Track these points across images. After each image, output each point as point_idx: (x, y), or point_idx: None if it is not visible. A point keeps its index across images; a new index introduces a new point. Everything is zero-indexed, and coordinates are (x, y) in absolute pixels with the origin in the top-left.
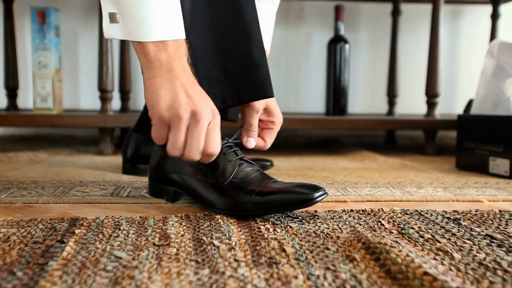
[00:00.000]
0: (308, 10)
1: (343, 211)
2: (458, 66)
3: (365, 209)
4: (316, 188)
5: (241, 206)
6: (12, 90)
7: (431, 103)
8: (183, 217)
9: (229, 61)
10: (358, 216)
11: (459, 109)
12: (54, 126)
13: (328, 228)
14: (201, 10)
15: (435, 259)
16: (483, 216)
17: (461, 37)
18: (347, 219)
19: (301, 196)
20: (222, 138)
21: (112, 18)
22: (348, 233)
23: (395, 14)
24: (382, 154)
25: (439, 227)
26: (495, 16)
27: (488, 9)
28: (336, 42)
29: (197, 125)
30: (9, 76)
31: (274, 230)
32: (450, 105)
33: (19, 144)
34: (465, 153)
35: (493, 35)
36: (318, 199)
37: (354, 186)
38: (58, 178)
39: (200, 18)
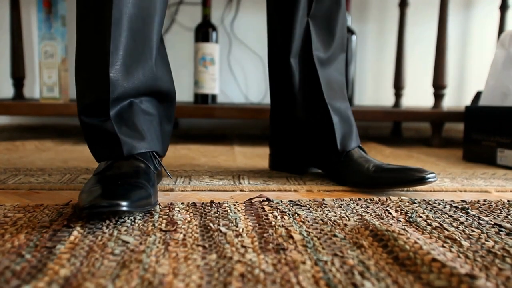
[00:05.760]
0: None
1: (351, 199)
2: (467, 59)
3: (373, 198)
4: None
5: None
6: (18, 79)
7: (438, 95)
8: (190, 205)
9: None
10: (365, 204)
11: (467, 103)
12: (60, 116)
13: (336, 216)
14: None
15: (443, 246)
16: (491, 205)
17: (470, 29)
18: (354, 207)
19: (85, 202)
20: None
21: None
22: (356, 221)
23: (403, 5)
24: (388, 145)
25: (447, 216)
26: (504, 8)
27: (497, 0)
28: None
29: None
30: (15, 66)
31: (282, 217)
32: (459, 99)
33: (26, 133)
34: (472, 144)
35: (501, 27)
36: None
37: None
38: (64, 165)
39: None
